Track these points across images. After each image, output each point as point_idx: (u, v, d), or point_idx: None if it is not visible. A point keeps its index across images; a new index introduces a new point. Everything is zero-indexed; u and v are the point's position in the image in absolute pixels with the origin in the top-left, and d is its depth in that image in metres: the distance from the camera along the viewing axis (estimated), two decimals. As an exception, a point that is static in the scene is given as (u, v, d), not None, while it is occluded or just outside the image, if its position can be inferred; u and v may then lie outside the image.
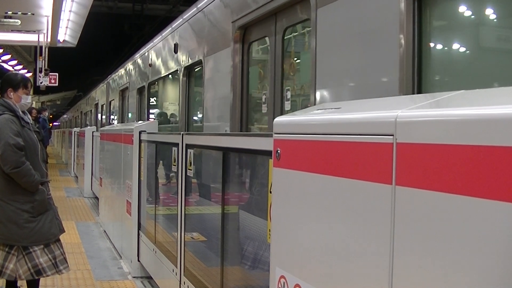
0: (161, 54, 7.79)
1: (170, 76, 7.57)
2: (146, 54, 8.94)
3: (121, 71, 11.79)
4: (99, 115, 16.04)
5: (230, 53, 4.79)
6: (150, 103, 9.01)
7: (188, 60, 6.17)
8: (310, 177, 1.88)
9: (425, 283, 1.35)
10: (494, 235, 1.16)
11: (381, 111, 1.61)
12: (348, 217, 1.67)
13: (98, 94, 16.56)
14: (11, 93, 4.21)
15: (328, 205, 1.79)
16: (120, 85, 11.80)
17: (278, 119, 2.20)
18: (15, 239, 4.02)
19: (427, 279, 1.34)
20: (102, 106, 15.39)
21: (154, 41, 8.38)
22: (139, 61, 9.57)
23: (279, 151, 2.11)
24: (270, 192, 2.34)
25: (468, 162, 1.23)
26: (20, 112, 4.17)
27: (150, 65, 8.38)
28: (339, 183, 1.71)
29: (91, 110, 18.64)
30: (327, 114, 1.93)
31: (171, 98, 8.57)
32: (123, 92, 11.49)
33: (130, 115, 10.44)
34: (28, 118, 4.28)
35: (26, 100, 4.30)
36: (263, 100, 4.38)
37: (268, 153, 2.33)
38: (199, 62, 5.68)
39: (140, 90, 9.31)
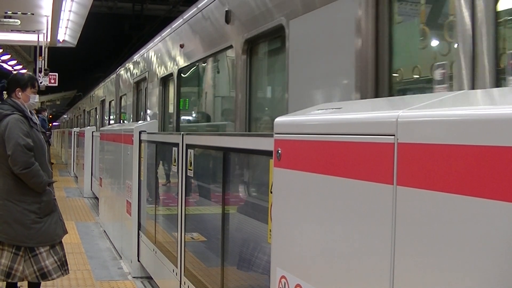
0: (200, 28, 5.72)
1: (217, 56, 5.49)
2: (175, 32, 6.72)
3: (137, 58, 9.39)
4: (106, 113, 13.52)
5: (350, 6, 2.93)
6: (181, 96, 6.60)
7: (253, 29, 4.14)
8: (311, 177, 1.88)
9: (426, 283, 1.35)
10: (495, 235, 1.16)
11: (382, 111, 1.61)
12: (349, 217, 1.67)
13: (105, 89, 13.94)
14: (19, 93, 4.21)
15: (329, 205, 1.79)
16: (135, 75, 9.42)
17: (278, 119, 2.20)
18: (21, 240, 4.01)
19: (428, 279, 1.34)
20: (109, 103, 12.88)
21: (189, 13, 6.15)
22: (164, 43, 7.34)
23: (279, 151, 2.11)
24: (271, 192, 2.34)
25: (469, 162, 1.23)
26: (29, 112, 4.17)
27: (182, 45, 6.26)
28: (340, 183, 1.71)
29: (96, 108, 16.09)
30: (328, 114, 1.93)
31: (220, 87, 5.98)
32: (138, 85, 9.22)
33: (149, 112, 8.05)
34: (36, 119, 4.27)
35: (34, 99, 4.32)
36: (440, 76, 2.47)
37: (268, 153, 2.33)
38: (277, 30, 3.74)
39: (165, 80, 7.17)
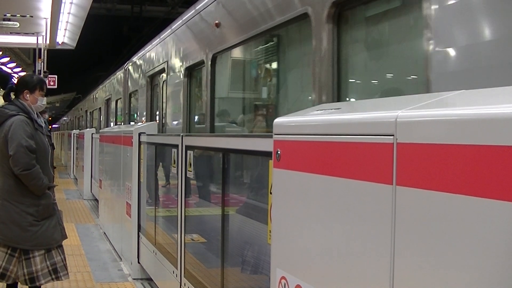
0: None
1: (274, 32, 3.87)
2: (206, 9, 5.12)
3: (152, 48, 7.75)
4: (112, 114, 11.96)
5: None
6: (217, 89, 4.91)
7: None
8: (311, 178, 1.88)
9: (426, 283, 1.35)
10: (495, 234, 1.16)
11: (381, 111, 1.61)
12: (348, 218, 1.67)
13: (111, 87, 12.26)
14: (28, 95, 4.21)
15: (328, 205, 1.79)
16: (149, 68, 7.74)
17: (278, 119, 2.20)
18: (16, 241, 4.00)
19: (428, 279, 1.34)
20: (116, 102, 11.35)
21: None
22: (190, 24, 5.76)
23: (279, 152, 2.11)
24: (271, 193, 2.34)
25: (468, 162, 1.23)
26: (35, 115, 4.17)
27: (218, 24, 4.72)
28: (339, 184, 1.71)
29: (99, 109, 14.43)
30: (327, 114, 1.93)
31: (280, 73, 4.08)
32: (153, 79, 7.64)
33: (168, 110, 6.44)
34: (41, 122, 4.26)
35: (42, 102, 4.32)
36: None
37: (268, 154, 2.33)
38: None
39: (191, 70, 5.63)
